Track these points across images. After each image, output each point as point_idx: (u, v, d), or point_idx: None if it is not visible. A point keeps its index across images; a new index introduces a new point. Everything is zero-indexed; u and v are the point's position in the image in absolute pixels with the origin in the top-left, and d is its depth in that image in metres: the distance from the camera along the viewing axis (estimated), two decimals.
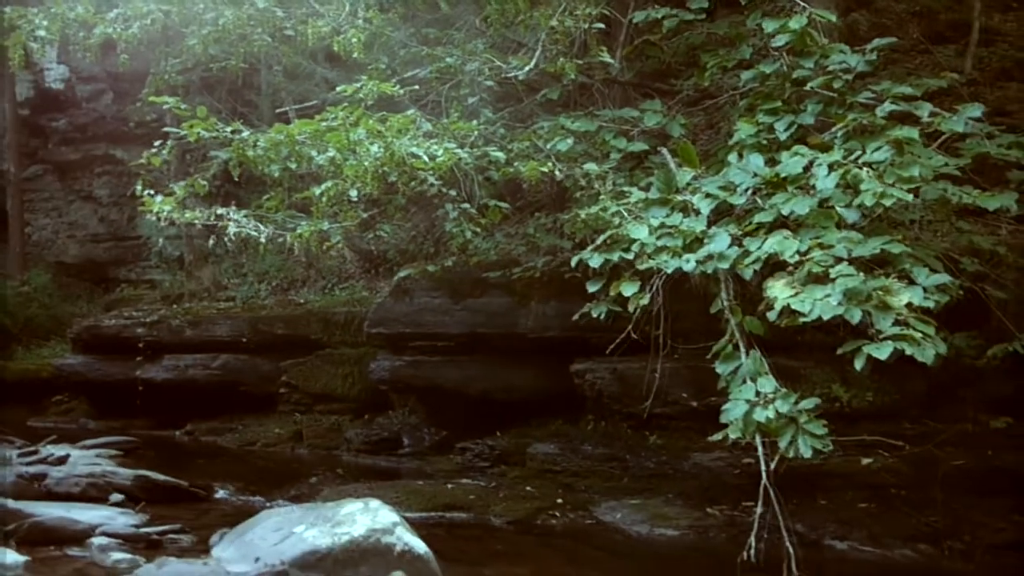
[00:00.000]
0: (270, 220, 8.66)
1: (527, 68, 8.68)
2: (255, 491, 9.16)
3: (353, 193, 8.34)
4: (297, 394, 11.68)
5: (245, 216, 8.51)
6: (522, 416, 9.77)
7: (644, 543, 7.71)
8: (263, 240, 8.36)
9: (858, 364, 6.02)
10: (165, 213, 8.32)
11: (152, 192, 8.40)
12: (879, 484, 7.54)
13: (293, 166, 8.50)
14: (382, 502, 7.12)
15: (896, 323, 6.00)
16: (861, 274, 6.15)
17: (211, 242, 8.99)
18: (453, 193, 8.69)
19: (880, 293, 6.08)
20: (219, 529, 7.25)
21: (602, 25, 8.73)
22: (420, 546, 6.61)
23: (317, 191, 8.35)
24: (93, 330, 13.23)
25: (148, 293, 13.92)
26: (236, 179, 9.80)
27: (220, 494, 9.10)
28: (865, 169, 6.62)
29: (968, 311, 7.14)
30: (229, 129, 8.23)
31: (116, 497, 8.24)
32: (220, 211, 8.39)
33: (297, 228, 8.48)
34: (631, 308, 7.19)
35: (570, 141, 8.47)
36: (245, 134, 8.29)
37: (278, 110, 11.57)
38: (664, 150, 8.13)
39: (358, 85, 8.49)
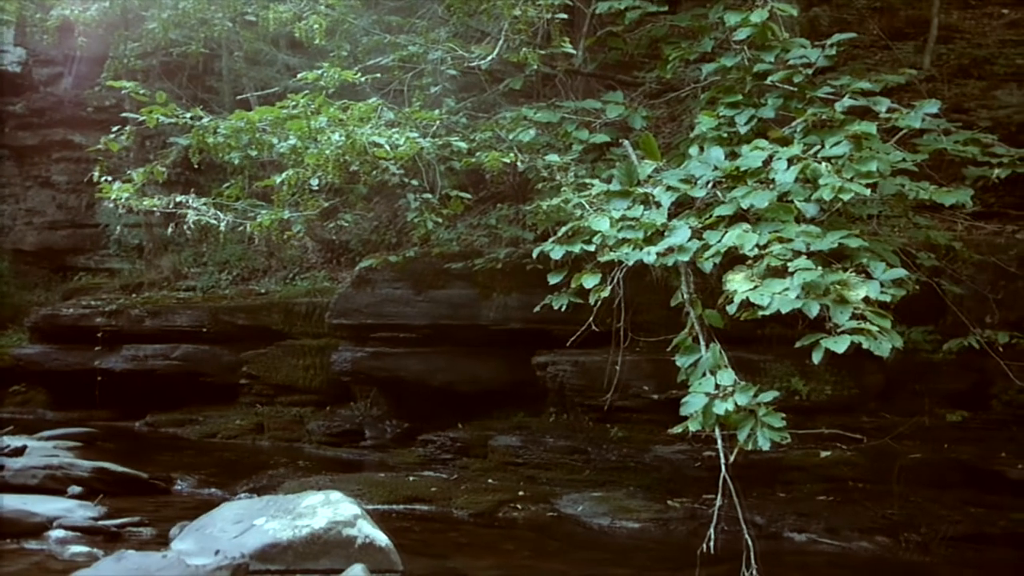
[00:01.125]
0: (231, 208, 8.57)
1: (490, 57, 8.64)
2: (216, 483, 9.10)
3: (314, 182, 8.29)
4: (259, 385, 11.61)
5: (205, 204, 8.43)
6: (485, 408, 9.77)
7: (606, 535, 7.75)
8: (223, 228, 8.28)
9: (816, 357, 6.06)
10: (123, 200, 8.23)
11: (111, 178, 8.31)
12: (837, 477, 7.62)
13: (254, 153, 8.43)
14: (344, 494, 7.10)
15: (853, 317, 6.03)
16: (819, 268, 6.19)
17: (170, 230, 8.90)
18: (415, 183, 8.65)
19: (838, 287, 6.12)
20: (179, 521, 7.19)
21: (565, 15, 8.71)
22: (381, 538, 6.61)
23: (278, 179, 8.28)
24: (51, 319, 13.06)
25: (107, 282, 13.74)
26: (197, 166, 9.69)
27: (180, 486, 9.03)
28: (824, 164, 6.65)
29: (925, 306, 7.23)
30: (189, 115, 8.14)
31: (75, 489, 8.14)
32: (179, 198, 8.31)
33: (258, 217, 8.42)
34: (592, 300, 7.20)
35: (533, 132, 8.45)
36: (205, 120, 8.20)
37: (239, 96, 11.45)
38: (626, 142, 8.13)
39: (319, 72, 8.43)
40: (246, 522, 6.70)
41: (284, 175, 8.24)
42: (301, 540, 6.49)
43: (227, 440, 11.23)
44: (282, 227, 8.64)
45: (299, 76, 8.66)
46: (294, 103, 8.10)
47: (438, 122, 8.56)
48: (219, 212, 8.42)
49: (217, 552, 6.35)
